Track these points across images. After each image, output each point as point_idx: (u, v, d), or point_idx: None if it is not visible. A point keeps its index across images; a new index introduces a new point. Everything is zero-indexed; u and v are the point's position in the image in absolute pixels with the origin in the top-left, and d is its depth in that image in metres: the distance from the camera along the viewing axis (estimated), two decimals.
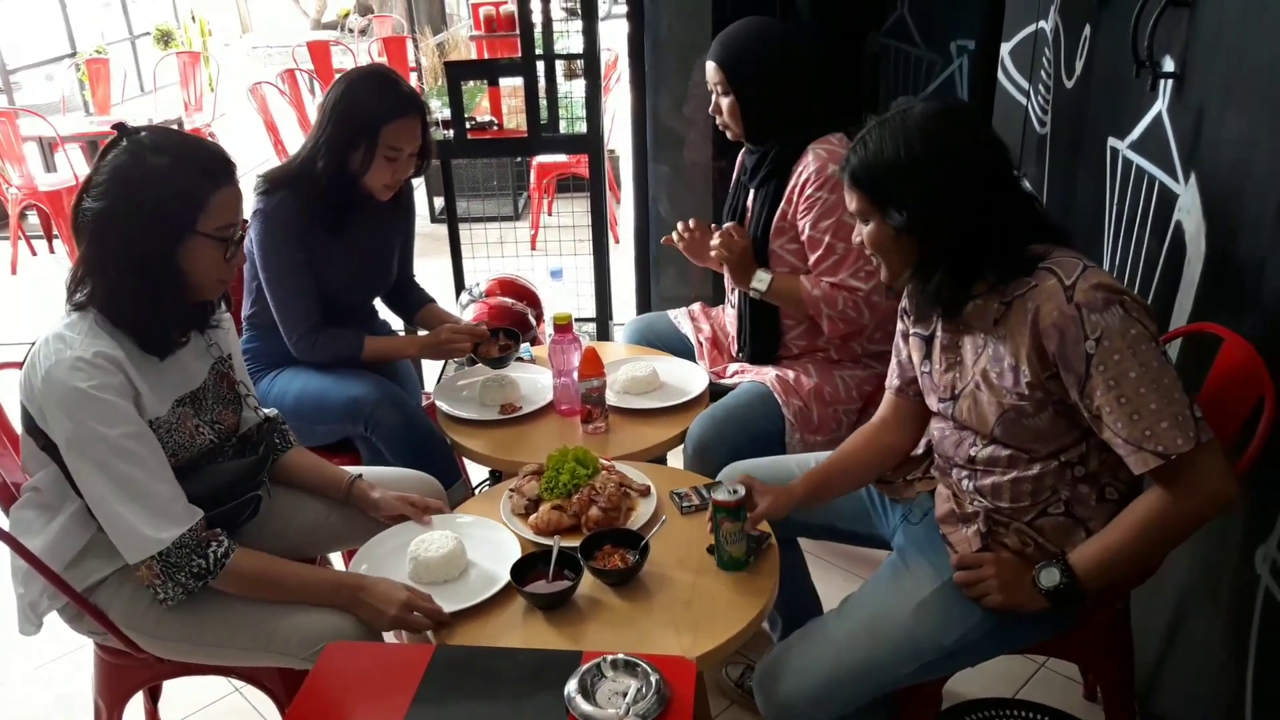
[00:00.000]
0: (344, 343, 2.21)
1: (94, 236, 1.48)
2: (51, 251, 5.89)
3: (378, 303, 2.48)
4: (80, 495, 1.51)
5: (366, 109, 2.06)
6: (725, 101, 2.14)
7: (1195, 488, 1.31)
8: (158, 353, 1.56)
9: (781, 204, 2.13)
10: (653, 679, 1.25)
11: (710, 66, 2.14)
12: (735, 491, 1.59)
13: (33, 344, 1.51)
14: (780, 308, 2.20)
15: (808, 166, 2.08)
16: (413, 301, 2.51)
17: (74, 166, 5.71)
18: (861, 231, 1.52)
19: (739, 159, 2.36)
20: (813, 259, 2.10)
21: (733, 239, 2.14)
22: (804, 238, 2.11)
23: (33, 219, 6.03)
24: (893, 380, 1.74)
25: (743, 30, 2.13)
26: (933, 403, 1.62)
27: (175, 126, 6.42)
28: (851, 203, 1.51)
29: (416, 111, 2.11)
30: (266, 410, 1.86)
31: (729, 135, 2.22)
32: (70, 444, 1.46)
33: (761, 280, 2.14)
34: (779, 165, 2.14)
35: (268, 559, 1.61)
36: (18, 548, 1.55)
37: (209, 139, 1.66)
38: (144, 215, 1.46)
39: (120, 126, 1.51)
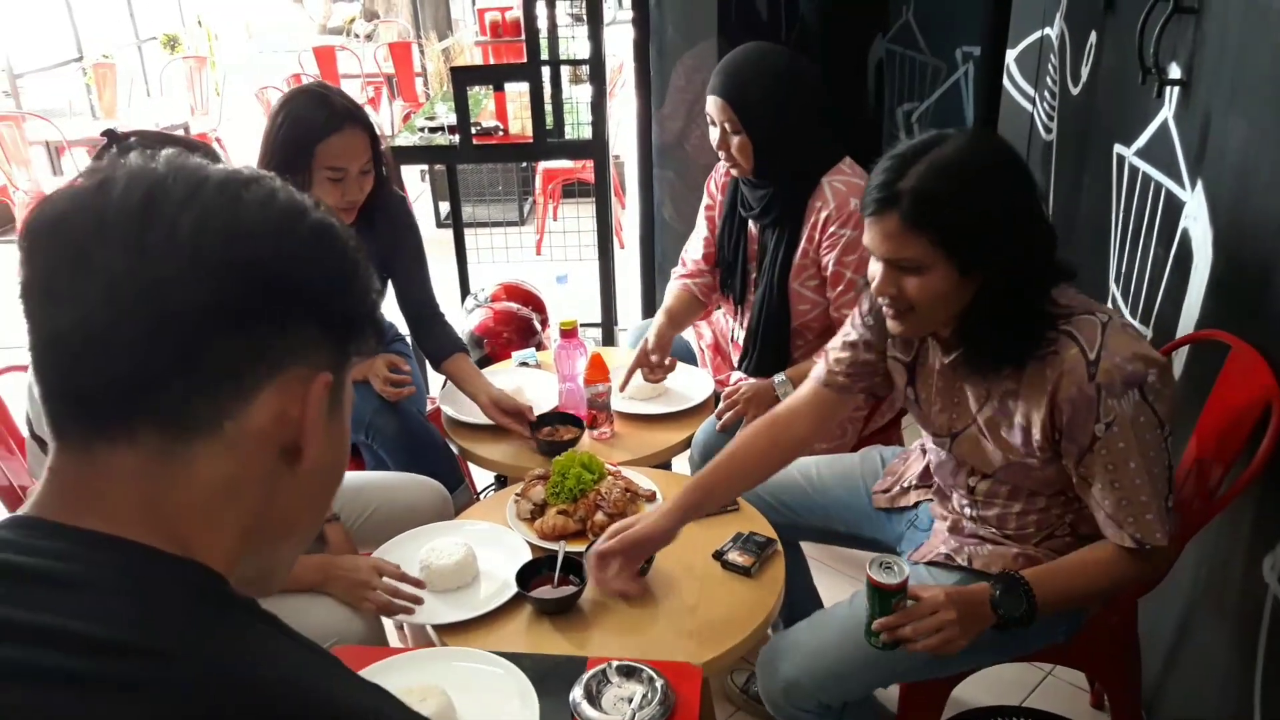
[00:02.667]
0: None
1: None
2: None
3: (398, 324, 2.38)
4: None
5: (300, 129, 1.92)
6: (736, 140, 2.01)
7: (1148, 563, 1.39)
8: None
9: (802, 242, 2.08)
10: (658, 685, 1.25)
11: (716, 102, 2.00)
12: (893, 569, 1.36)
13: None
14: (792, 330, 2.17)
15: (827, 203, 2.02)
16: (440, 342, 2.23)
17: (80, 170, 5.72)
18: (898, 283, 1.34)
19: (739, 189, 2.20)
20: (834, 292, 2.08)
21: (736, 400, 2.07)
22: (828, 273, 2.07)
23: None
24: (831, 369, 1.61)
25: (748, 62, 2.01)
26: (925, 433, 1.61)
27: (180, 131, 6.44)
28: (904, 250, 1.31)
29: (354, 124, 1.94)
30: None
31: (735, 172, 2.10)
32: None
33: (781, 384, 2.08)
34: (793, 204, 2.06)
35: None
36: None
37: (195, 139, 1.63)
38: None
39: (110, 134, 1.49)
